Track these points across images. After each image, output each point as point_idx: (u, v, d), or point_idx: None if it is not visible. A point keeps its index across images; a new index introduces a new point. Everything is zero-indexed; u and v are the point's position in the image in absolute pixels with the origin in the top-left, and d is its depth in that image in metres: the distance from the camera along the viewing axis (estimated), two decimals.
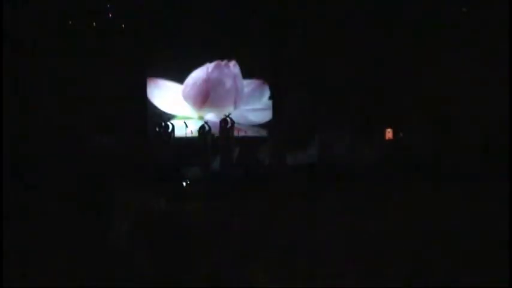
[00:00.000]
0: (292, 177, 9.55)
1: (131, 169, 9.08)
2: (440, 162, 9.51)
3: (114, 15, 10.78)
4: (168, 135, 10.78)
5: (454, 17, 10.43)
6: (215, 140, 10.84)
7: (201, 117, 11.40)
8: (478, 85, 10.01)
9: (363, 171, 9.51)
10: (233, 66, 11.58)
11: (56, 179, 8.20)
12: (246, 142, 11.11)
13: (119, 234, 5.07)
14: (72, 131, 10.08)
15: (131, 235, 5.04)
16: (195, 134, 10.97)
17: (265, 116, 11.72)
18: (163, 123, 10.86)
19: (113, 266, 4.40)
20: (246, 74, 11.65)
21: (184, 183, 9.11)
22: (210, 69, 11.52)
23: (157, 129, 10.89)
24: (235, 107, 11.53)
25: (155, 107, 11.42)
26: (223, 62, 11.55)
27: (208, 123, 10.89)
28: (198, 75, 11.54)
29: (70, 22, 10.44)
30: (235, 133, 10.99)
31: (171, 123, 10.90)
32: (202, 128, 10.85)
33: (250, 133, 11.61)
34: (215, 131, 10.89)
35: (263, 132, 11.63)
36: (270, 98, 11.72)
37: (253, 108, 11.78)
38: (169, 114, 11.38)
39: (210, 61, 11.51)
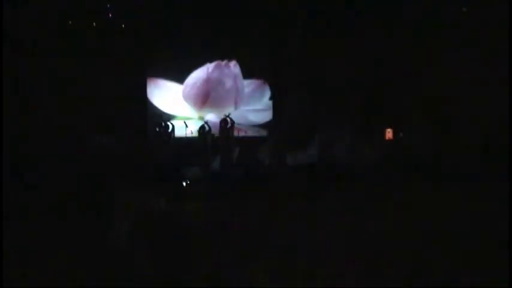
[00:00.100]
0: (292, 177, 9.55)
1: (131, 169, 9.08)
2: (440, 162, 9.51)
3: (114, 15, 10.78)
4: (168, 135, 10.78)
5: (454, 17, 10.43)
6: (215, 140, 10.84)
7: (201, 118, 11.40)
8: (478, 85, 10.00)
9: (363, 171, 9.51)
10: (233, 66, 11.57)
11: (56, 179, 8.19)
12: (246, 142, 11.11)
13: (119, 234, 5.07)
14: (72, 131, 10.07)
15: (131, 235, 5.04)
16: (195, 134, 10.97)
17: (266, 116, 11.72)
18: (163, 123, 10.86)
19: (113, 266, 4.40)
20: (247, 74, 11.66)
21: (184, 183, 9.11)
22: (210, 69, 11.52)
23: (157, 129, 10.89)
24: (236, 107, 11.53)
25: (155, 107, 11.41)
26: (224, 62, 11.54)
27: (208, 123, 10.89)
28: (198, 75, 11.53)
29: (70, 22, 10.45)
30: (235, 133, 10.99)
31: (171, 123, 10.90)
32: (202, 128, 10.85)
33: (250, 133, 11.61)
34: (215, 131, 10.89)
35: (263, 132, 11.63)
36: (271, 98, 11.72)
37: (253, 108, 11.77)
38: (170, 115, 11.38)
39: (210, 61, 11.50)
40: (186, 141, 10.95)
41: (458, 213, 5.99)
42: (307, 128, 11.08)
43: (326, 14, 10.66)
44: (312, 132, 11.03)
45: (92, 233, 5.24)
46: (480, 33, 10.11)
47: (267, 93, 11.75)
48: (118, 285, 4.16)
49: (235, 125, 10.92)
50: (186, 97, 11.52)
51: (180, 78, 11.52)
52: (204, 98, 11.53)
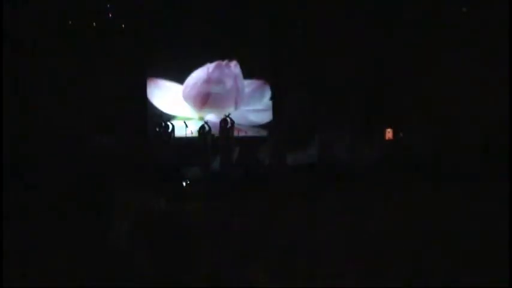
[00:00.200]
0: (292, 177, 9.55)
1: (131, 169, 9.08)
2: (440, 162, 9.50)
3: (114, 15, 10.78)
4: (168, 135, 10.78)
5: (454, 17, 10.43)
6: (215, 140, 10.84)
7: (201, 118, 11.39)
8: (478, 85, 10.00)
9: (363, 171, 9.51)
10: (234, 67, 11.56)
11: (56, 179, 8.19)
12: (246, 142, 11.11)
13: (119, 234, 5.07)
14: (72, 131, 10.07)
15: (131, 235, 5.04)
16: (195, 134, 10.97)
17: (266, 116, 11.71)
18: (163, 123, 10.86)
19: (113, 266, 4.40)
20: (247, 74, 11.65)
21: (184, 183, 9.11)
22: (210, 70, 11.51)
23: (157, 129, 10.89)
24: (236, 108, 11.52)
25: (155, 107, 11.41)
26: (224, 62, 11.53)
27: (208, 124, 10.89)
28: (198, 75, 11.52)
29: (70, 22, 10.45)
30: (235, 133, 10.98)
31: (171, 123, 10.90)
32: (202, 128, 10.84)
33: (250, 133, 11.61)
34: (215, 131, 10.89)
35: (263, 133, 11.62)
36: (271, 98, 11.72)
37: (253, 108, 11.77)
38: (170, 115, 11.38)
39: (211, 61, 11.50)
40: (186, 141, 10.95)
41: (458, 213, 5.98)
42: (307, 128, 11.08)
43: (326, 14, 10.66)
44: (312, 132, 11.02)
45: (92, 233, 5.24)
46: (480, 33, 10.11)
47: (268, 94, 11.74)
48: (118, 285, 4.16)
49: (236, 125, 10.91)
50: (186, 97, 11.52)
51: (180, 78, 11.52)
52: (204, 98, 11.53)
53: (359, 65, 10.81)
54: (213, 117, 11.26)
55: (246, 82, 11.68)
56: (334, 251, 4.82)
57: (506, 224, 5.26)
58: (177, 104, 11.50)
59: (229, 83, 11.55)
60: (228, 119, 10.77)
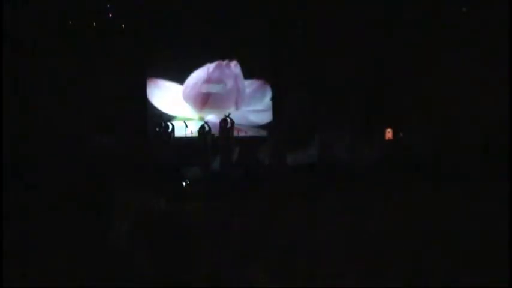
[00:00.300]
0: (292, 177, 9.55)
1: (131, 169, 9.07)
2: (440, 162, 9.50)
3: (114, 15, 10.78)
4: (168, 135, 10.78)
5: (454, 17, 10.43)
6: (215, 140, 10.84)
7: (201, 118, 11.38)
8: (478, 85, 10.00)
9: (363, 171, 9.50)
10: (234, 67, 11.55)
11: (56, 179, 8.19)
12: (246, 142, 11.11)
13: (119, 234, 5.06)
14: (72, 131, 10.07)
15: (131, 235, 5.04)
16: (195, 134, 10.97)
17: (267, 117, 11.71)
18: (163, 124, 10.86)
19: (113, 266, 4.40)
20: (248, 74, 11.64)
21: (184, 183, 9.11)
22: (210, 70, 11.51)
23: (157, 129, 10.89)
24: (237, 108, 11.51)
25: (155, 108, 11.41)
26: (225, 62, 11.53)
27: (209, 124, 10.89)
28: (198, 75, 11.52)
29: (70, 22, 10.45)
30: (235, 133, 10.98)
31: (171, 124, 10.90)
32: (202, 128, 10.84)
33: (251, 133, 11.60)
34: (215, 131, 10.89)
35: (263, 133, 11.62)
36: (272, 99, 11.71)
37: (254, 109, 11.76)
38: (170, 115, 11.38)
39: (211, 61, 11.49)
40: (186, 141, 10.95)
41: (458, 213, 5.98)
42: (307, 128, 11.08)
43: (326, 14, 10.66)
44: (312, 132, 11.02)
45: (92, 233, 5.24)
46: (480, 33, 10.11)
47: (268, 94, 11.74)
48: (118, 285, 4.16)
49: (236, 126, 10.91)
50: (187, 98, 11.51)
51: (180, 78, 11.52)
52: (205, 98, 11.53)
53: (359, 65, 10.81)
54: (213, 118, 11.26)
55: (247, 82, 11.67)
56: (334, 251, 4.82)
57: (506, 224, 5.26)
58: (177, 104, 11.50)
59: (229, 83, 11.54)
60: (228, 119, 10.76)
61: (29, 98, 10.10)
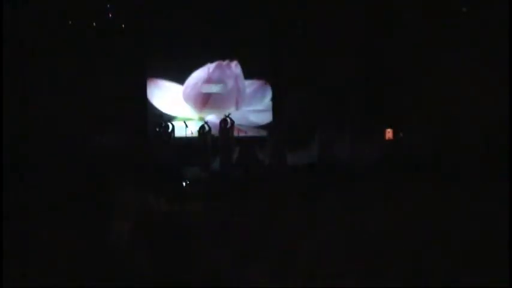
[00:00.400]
0: (292, 177, 9.54)
1: (131, 169, 9.07)
2: (440, 162, 9.50)
3: (114, 15, 10.78)
4: (168, 135, 10.78)
5: (454, 17, 10.43)
6: (215, 140, 10.84)
7: (201, 119, 11.38)
8: (478, 85, 10.00)
9: (363, 171, 9.50)
10: (235, 67, 11.55)
11: (56, 179, 8.19)
12: (246, 142, 11.10)
13: (119, 234, 5.07)
14: (72, 131, 10.07)
15: (131, 235, 5.04)
16: (195, 134, 10.97)
17: (267, 117, 11.70)
18: (163, 124, 10.86)
19: (113, 266, 4.39)
20: (248, 74, 11.63)
21: (184, 183, 9.11)
22: (211, 70, 11.50)
23: (157, 129, 10.89)
24: (237, 108, 11.51)
25: (155, 108, 11.41)
26: (225, 62, 11.52)
27: (209, 124, 10.89)
28: (199, 75, 11.51)
29: (70, 22, 10.45)
30: (235, 133, 10.98)
31: (171, 124, 10.90)
32: (202, 128, 10.85)
33: (251, 133, 11.60)
34: (215, 131, 10.88)
35: (263, 133, 11.62)
36: (272, 99, 11.71)
37: (254, 109, 11.76)
38: (170, 116, 11.37)
39: (211, 61, 11.48)
40: (186, 141, 10.95)
41: (458, 213, 5.98)
42: (307, 128, 11.08)
43: (326, 14, 10.66)
44: (312, 132, 11.02)
45: (92, 233, 5.23)
46: (480, 33, 10.11)
47: (269, 94, 11.73)
48: (118, 285, 4.16)
49: (236, 126, 10.91)
50: (187, 98, 11.51)
51: (180, 78, 11.52)
52: (205, 99, 11.52)
53: (359, 65, 10.81)
54: (213, 118, 11.26)
55: (247, 82, 11.67)
56: (334, 251, 4.82)
57: (506, 224, 5.26)
58: (177, 104, 11.50)
59: (230, 83, 11.54)
60: (228, 119, 10.77)
61: (29, 98, 10.10)
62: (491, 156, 9.23)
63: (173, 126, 10.84)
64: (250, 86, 11.71)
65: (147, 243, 4.81)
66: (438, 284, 4.14)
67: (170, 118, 11.25)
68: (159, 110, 11.39)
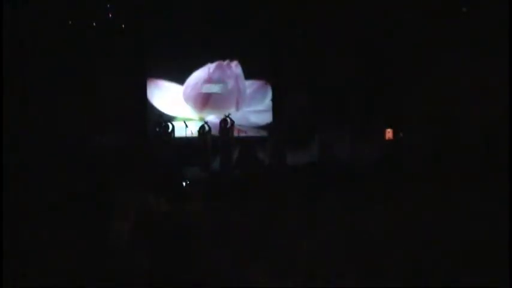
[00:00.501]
0: (292, 177, 9.54)
1: (131, 169, 9.08)
2: (440, 162, 9.50)
3: (114, 15, 10.79)
4: (168, 135, 10.79)
5: (454, 17, 10.43)
6: (215, 140, 10.84)
7: (201, 119, 11.38)
8: (478, 85, 10.00)
9: (363, 171, 9.49)
10: (235, 67, 11.54)
11: (56, 179, 8.19)
12: (246, 142, 11.11)
13: (119, 234, 5.07)
14: (72, 131, 10.07)
15: (131, 235, 5.04)
16: (195, 134, 10.97)
17: (267, 117, 11.69)
18: (163, 124, 10.87)
19: (113, 266, 4.39)
20: (248, 74, 11.62)
21: (184, 183, 9.11)
22: (211, 70, 11.50)
23: (157, 130, 10.90)
24: (237, 109, 11.50)
25: (155, 108, 11.41)
26: (225, 62, 11.52)
27: (209, 124, 10.89)
28: (199, 75, 11.51)
29: (70, 22, 10.45)
30: (235, 133, 10.98)
31: (171, 124, 10.90)
32: (202, 128, 10.85)
33: (251, 133, 11.60)
34: (215, 131, 10.88)
35: (263, 133, 11.62)
36: (272, 99, 11.70)
37: (255, 109, 11.75)
38: (170, 116, 11.37)
39: (211, 61, 11.48)
40: (186, 141, 10.95)
41: (458, 213, 5.98)
42: (307, 128, 11.08)
43: (326, 14, 10.66)
44: (312, 132, 11.03)
45: (92, 233, 5.23)
46: (480, 33, 10.11)
47: (269, 94, 11.73)
48: (118, 285, 4.16)
49: (236, 126, 10.91)
50: (187, 99, 11.51)
51: (180, 78, 11.52)
52: (205, 99, 11.52)
53: (359, 65, 10.81)
54: (213, 118, 11.25)
55: (248, 83, 11.66)
56: (334, 251, 4.82)
57: (506, 224, 5.25)
58: (177, 104, 11.49)
59: (230, 83, 11.53)
60: (228, 119, 10.77)
61: (29, 98, 10.10)
62: (491, 156, 9.23)
63: (173, 126, 10.85)
64: (250, 86, 11.70)
65: (147, 243, 4.81)
66: (438, 284, 4.14)
67: (170, 118, 11.24)
68: (159, 110, 11.39)
